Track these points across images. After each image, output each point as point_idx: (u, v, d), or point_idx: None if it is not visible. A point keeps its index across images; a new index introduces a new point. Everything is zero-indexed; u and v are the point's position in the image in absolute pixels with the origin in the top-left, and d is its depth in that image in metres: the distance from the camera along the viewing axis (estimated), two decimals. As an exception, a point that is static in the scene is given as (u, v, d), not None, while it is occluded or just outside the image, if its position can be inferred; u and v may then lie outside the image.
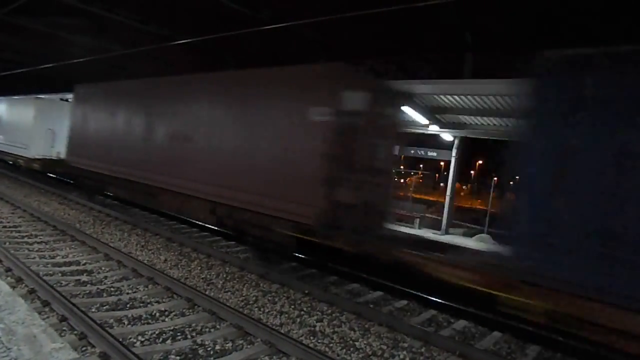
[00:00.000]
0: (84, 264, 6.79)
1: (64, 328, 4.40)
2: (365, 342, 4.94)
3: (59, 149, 14.98)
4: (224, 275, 6.90)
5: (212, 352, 4.35)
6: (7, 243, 7.33)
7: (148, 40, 7.98)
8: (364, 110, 6.41)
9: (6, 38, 10.96)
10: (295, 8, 5.51)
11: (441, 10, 5.41)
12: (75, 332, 4.29)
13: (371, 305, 6.05)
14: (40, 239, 8.00)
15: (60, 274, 6.21)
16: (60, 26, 8.19)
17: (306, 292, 6.34)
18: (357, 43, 7.42)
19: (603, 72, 4.25)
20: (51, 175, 16.77)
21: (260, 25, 6.25)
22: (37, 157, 15.73)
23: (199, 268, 7.18)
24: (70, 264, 6.76)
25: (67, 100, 16.38)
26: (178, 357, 4.15)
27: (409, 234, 7.81)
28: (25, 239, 7.85)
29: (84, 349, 4.04)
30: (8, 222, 8.94)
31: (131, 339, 4.40)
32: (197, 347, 4.39)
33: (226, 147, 7.80)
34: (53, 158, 15.57)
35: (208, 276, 6.80)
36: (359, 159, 6.60)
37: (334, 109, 6.15)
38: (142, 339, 4.44)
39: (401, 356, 4.70)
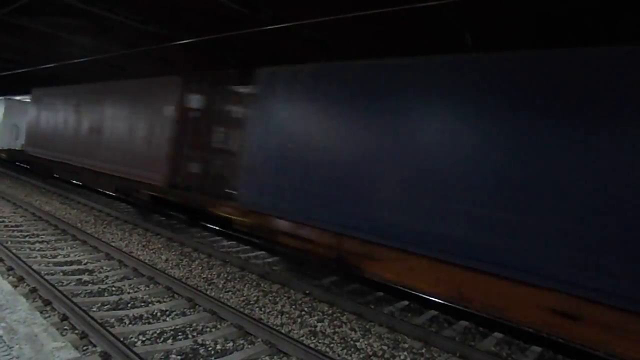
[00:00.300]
0: (85, 264, 6.81)
1: (65, 327, 4.41)
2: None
3: (22, 141, 18.04)
4: (225, 275, 6.91)
5: (212, 352, 4.36)
6: (9, 242, 7.34)
7: (148, 40, 8.04)
8: (202, 108, 9.08)
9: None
10: (296, 8, 5.57)
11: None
12: (77, 331, 4.31)
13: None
14: (41, 238, 8.02)
15: (61, 274, 6.22)
16: (59, 27, 8.30)
17: (307, 292, 6.35)
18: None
19: (286, 81, 7.00)
20: (16, 163, 19.27)
21: (260, 26, 6.28)
22: (4, 148, 19.29)
23: (200, 268, 7.19)
24: (71, 263, 6.78)
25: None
26: (179, 357, 4.16)
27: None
28: (27, 239, 7.87)
29: (85, 348, 4.05)
30: (10, 222, 8.96)
31: (132, 339, 4.41)
32: (198, 346, 4.40)
33: (120, 137, 10.86)
34: (17, 149, 18.51)
35: (209, 276, 6.81)
36: (201, 142, 9.03)
37: (180, 107, 9.06)
38: (143, 339, 4.45)
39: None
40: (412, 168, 5.41)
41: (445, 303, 6.10)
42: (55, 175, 15.01)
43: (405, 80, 5.64)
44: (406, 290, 6.46)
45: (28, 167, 16.87)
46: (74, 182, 14.92)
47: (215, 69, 8.86)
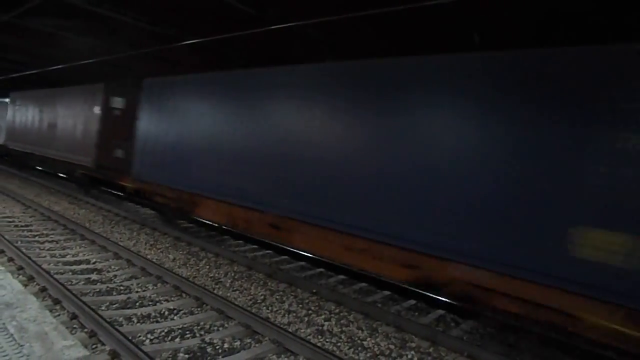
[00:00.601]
0: (94, 263, 6.86)
1: (75, 326, 4.46)
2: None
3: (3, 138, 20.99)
4: (232, 274, 6.94)
5: (220, 351, 4.38)
6: (19, 242, 7.43)
7: (154, 41, 8.15)
8: (121, 108, 11.67)
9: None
10: (302, 8, 5.59)
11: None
12: (86, 329, 4.34)
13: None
14: (51, 238, 8.10)
15: (70, 273, 6.28)
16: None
17: (314, 291, 6.36)
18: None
19: (158, 90, 9.73)
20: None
21: (266, 26, 6.31)
22: None
23: (207, 267, 7.22)
24: (80, 262, 6.84)
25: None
26: (187, 356, 4.18)
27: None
28: (37, 238, 7.95)
29: (94, 346, 4.09)
30: (20, 222, 9.06)
31: (140, 337, 4.44)
32: (205, 345, 4.42)
33: (66, 131, 13.83)
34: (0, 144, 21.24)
35: (216, 275, 6.84)
36: (120, 133, 11.28)
37: (105, 108, 11.88)
38: (152, 337, 4.48)
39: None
40: (212, 148, 8.37)
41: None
42: (28, 164, 17.99)
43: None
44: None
45: (6, 158, 20.14)
46: (40, 168, 18.16)
47: (222, 68, 8.95)
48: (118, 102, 11.66)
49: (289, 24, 6.01)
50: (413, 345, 4.97)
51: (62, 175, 16.18)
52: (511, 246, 4.63)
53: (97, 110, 12.06)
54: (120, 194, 12.71)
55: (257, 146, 7.44)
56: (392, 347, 4.87)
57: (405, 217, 5.44)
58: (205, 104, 8.72)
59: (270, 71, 7.53)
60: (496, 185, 4.77)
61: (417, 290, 6.40)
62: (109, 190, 13.45)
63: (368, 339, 5.02)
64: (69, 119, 13.74)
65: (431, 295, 6.27)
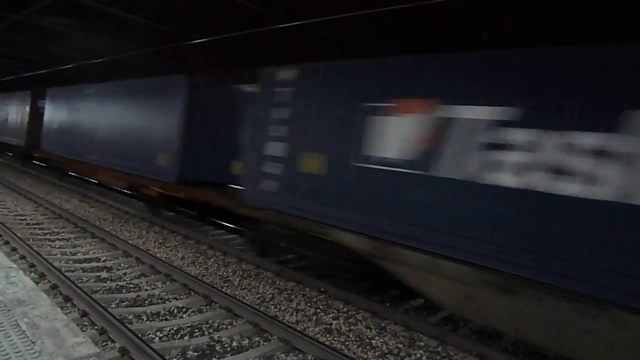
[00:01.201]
0: (104, 261, 6.93)
1: (85, 323, 4.50)
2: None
3: None
4: (240, 273, 6.96)
5: (228, 349, 4.39)
6: (31, 240, 7.52)
7: (163, 40, 8.22)
8: (43, 106, 16.40)
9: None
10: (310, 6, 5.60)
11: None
12: (96, 327, 4.38)
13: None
14: (61, 236, 8.19)
15: (81, 270, 6.34)
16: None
17: (322, 290, 6.35)
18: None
19: (54, 94, 16.04)
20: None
21: (275, 24, 6.32)
22: None
23: (216, 265, 7.26)
24: (90, 260, 6.91)
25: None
26: (195, 353, 4.20)
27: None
28: (48, 236, 8.04)
29: (104, 343, 4.12)
30: (31, 220, 9.17)
31: (150, 335, 4.47)
32: (214, 343, 4.44)
33: (11, 121, 19.67)
34: None
35: (225, 273, 6.86)
36: (40, 123, 16.36)
37: (33, 106, 17.55)
38: (161, 335, 4.51)
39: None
40: (73, 130, 13.87)
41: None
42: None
43: None
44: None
45: None
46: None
47: (229, 67, 8.99)
48: (41, 103, 16.84)
49: (298, 22, 6.01)
50: (421, 344, 4.95)
51: (9, 153, 21.84)
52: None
53: (27, 107, 17.93)
54: (36, 162, 18.45)
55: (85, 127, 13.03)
56: (400, 345, 4.85)
57: None
58: (72, 105, 14.10)
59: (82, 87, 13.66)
60: None
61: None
62: (33, 161, 18.59)
63: (376, 337, 5.01)
64: (11, 114, 20.03)
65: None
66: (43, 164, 17.31)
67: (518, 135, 4.40)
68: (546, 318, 4.25)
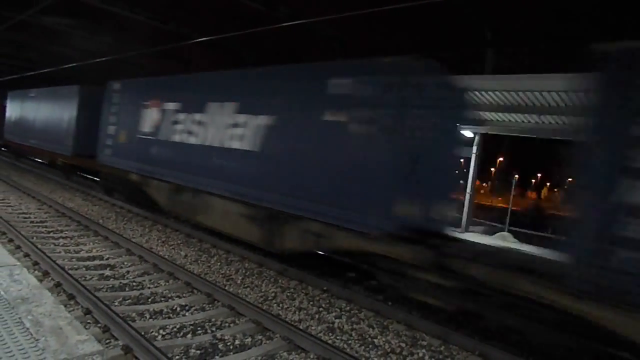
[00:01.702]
0: (107, 259, 6.95)
1: (89, 321, 4.51)
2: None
3: None
4: (243, 271, 6.97)
5: (231, 347, 4.40)
6: (35, 238, 7.55)
7: (166, 39, 8.26)
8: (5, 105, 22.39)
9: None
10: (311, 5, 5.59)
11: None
12: (99, 325, 4.39)
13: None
14: (65, 234, 8.22)
15: (84, 268, 6.37)
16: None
17: (325, 288, 6.35)
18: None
19: (15, 95, 21.81)
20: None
21: (277, 23, 6.32)
22: None
23: (219, 264, 7.27)
24: (94, 258, 6.93)
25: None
26: (198, 351, 4.21)
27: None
28: (51, 234, 8.07)
29: (107, 341, 4.13)
30: (35, 218, 9.21)
31: (153, 333, 4.48)
32: (216, 341, 4.45)
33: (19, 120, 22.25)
34: None
35: (227, 272, 6.87)
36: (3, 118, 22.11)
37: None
38: (164, 333, 4.52)
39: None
40: (24, 122, 18.98)
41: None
42: None
43: None
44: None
45: None
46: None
47: (233, 66, 9.03)
48: (5, 102, 21.11)
49: (299, 21, 6.01)
50: (424, 343, 4.94)
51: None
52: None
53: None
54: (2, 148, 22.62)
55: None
56: (403, 345, 4.85)
57: None
58: (23, 104, 19.05)
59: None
60: None
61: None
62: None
63: (379, 336, 5.00)
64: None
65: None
66: (4, 149, 22.52)
67: (196, 117, 8.63)
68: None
